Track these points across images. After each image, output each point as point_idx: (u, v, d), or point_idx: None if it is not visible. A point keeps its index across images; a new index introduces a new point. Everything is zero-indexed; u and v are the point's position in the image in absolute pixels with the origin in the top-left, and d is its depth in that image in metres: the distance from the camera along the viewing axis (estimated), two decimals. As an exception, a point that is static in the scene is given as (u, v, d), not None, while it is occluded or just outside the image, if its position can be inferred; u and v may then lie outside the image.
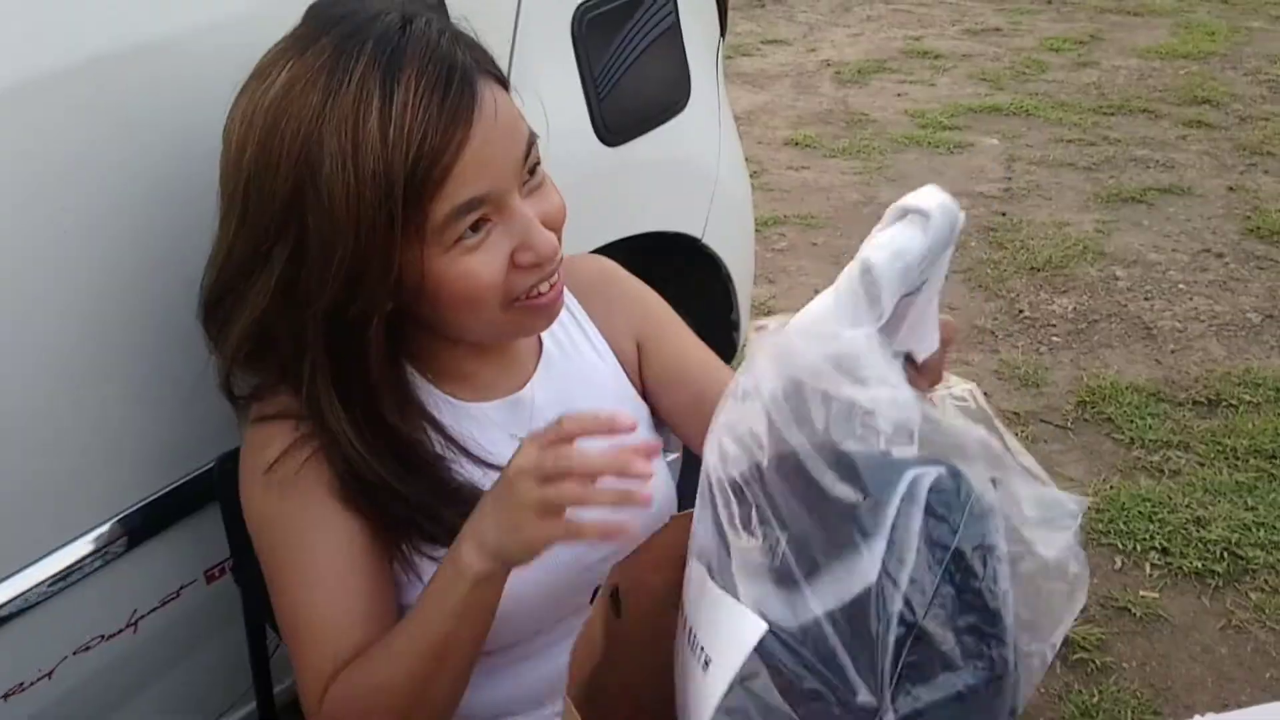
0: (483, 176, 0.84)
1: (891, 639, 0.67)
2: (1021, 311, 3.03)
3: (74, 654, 1.06)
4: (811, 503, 0.69)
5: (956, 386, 0.80)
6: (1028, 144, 4.17)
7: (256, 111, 0.84)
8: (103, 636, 1.08)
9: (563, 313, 1.08)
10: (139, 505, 1.07)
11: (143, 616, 1.10)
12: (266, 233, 0.85)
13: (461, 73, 0.83)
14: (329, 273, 0.84)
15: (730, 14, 6.20)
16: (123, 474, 1.05)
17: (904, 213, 0.73)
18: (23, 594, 1.00)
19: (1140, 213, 3.59)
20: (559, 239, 0.92)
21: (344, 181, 0.81)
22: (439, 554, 0.92)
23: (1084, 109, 4.48)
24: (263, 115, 0.83)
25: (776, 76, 4.95)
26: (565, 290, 1.10)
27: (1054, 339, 2.90)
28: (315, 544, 0.93)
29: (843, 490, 0.69)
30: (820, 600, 0.68)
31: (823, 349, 0.70)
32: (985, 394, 2.56)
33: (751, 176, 3.87)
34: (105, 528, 1.05)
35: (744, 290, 1.85)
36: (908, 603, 0.67)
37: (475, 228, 0.86)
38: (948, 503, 0.70)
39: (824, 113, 4.53)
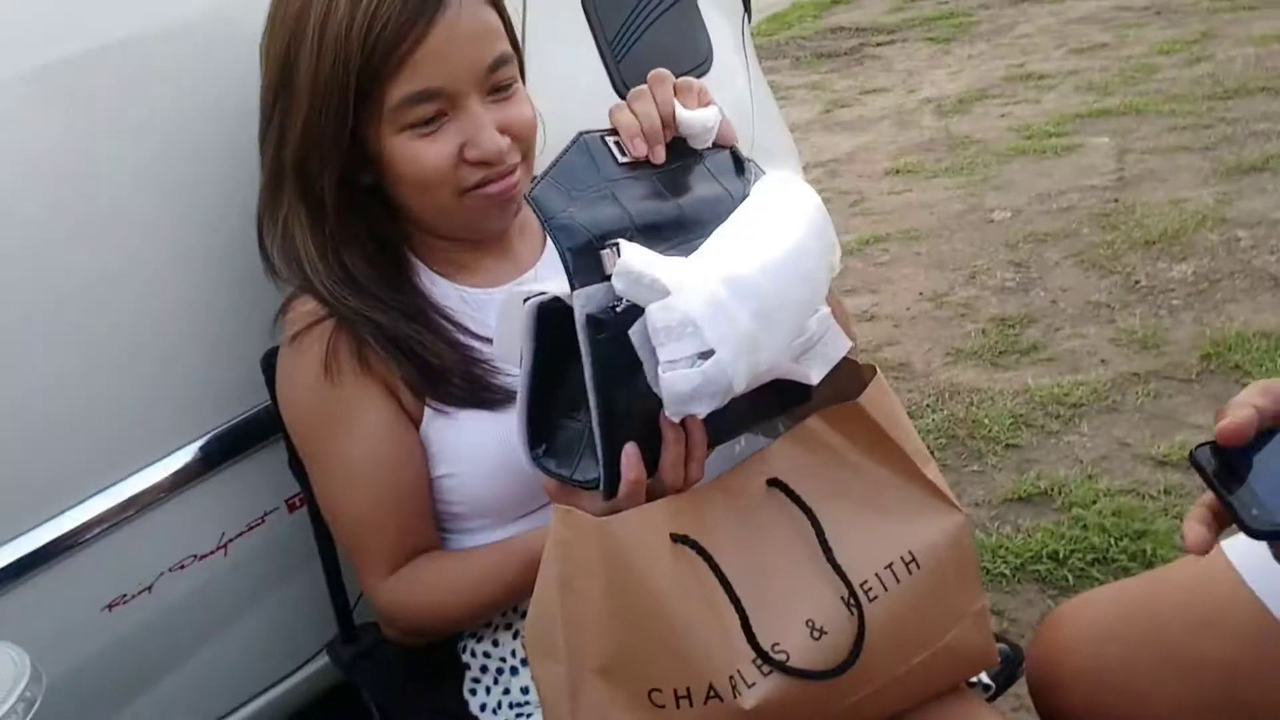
0: (439, 73, 0.96)
1: None
2: (1138, 282, 2.95)
3: (170, 570, 1.18)
4: None
5: None
6: (1140, 137, 4.09)
7: (274, 5, 1.01)
8: (196, 556, 1.20)
9: None
10: (218, 429, 1.19)
11: (231, 539, 1.22)
12: (269, 109, 1.01)
13: None
14: (295, 131, 0.98)
15: (829, 74, 6.27)
16: (208, 398, 1.19)
17: None
18: (121, 504, 1.13)
19: (1264, 180, 3.46)
20: (526, 150, 1.03)
21: (312, 55, 0.95)
22: (443, 408, 1.03)
23: (1198, 98, 4.37)
24: (273, 6, 1.00)
25: (876, 119, 5.01)
26: None
27: (1174, 303, 2.81)
28: (349, 438, 1.04)
29: None
30: None
31: None
32: (1103, 361, 2.48)
33: (852, 205, 3.95)
34: (192, 448, 1.18)
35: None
36: None
37: (431, 120, 0.98)
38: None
39: (925, 142, 4.56)
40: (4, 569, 1.08)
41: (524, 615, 1.08)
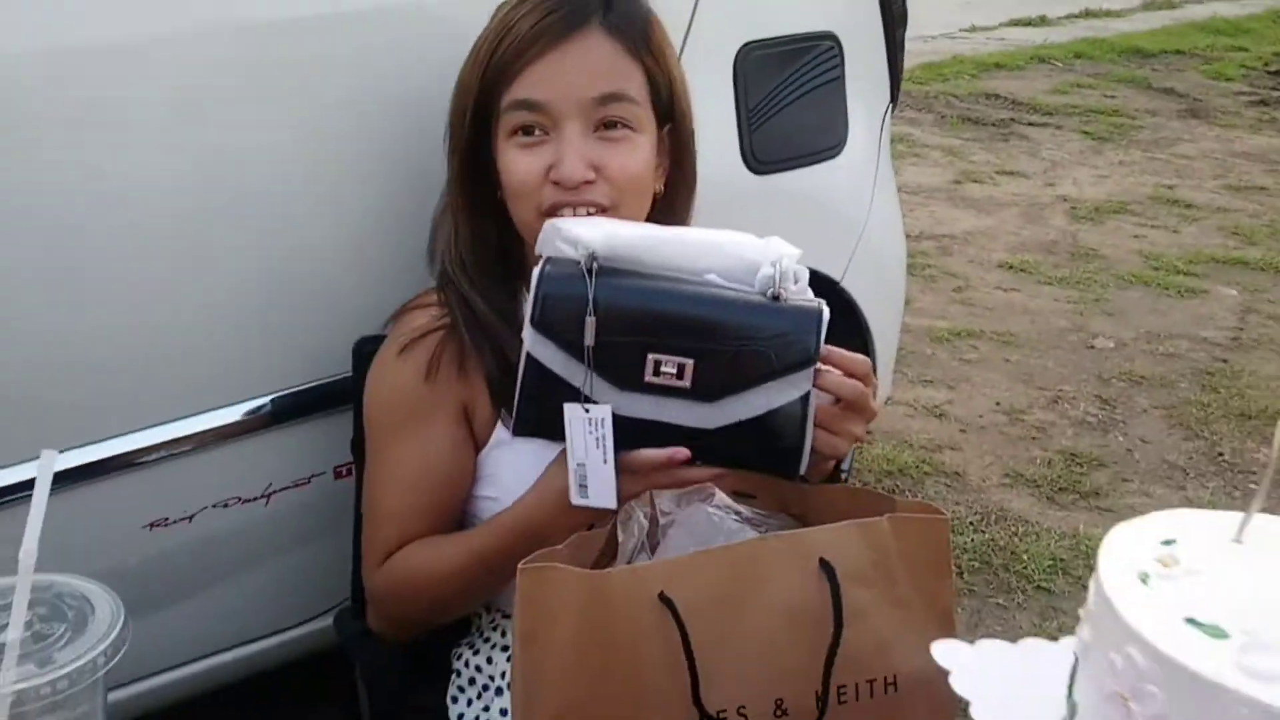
0: (546, 89, 1.10)
1: None
2: (1221, 454, 2.99)
3: (213, 506, 1.31)
4: None
5: None
6: (1270, 299, 4.09)
7: None
8: (240, 499, 1.33)
9: None
10: (289, 390, 1.32)
11: (276, 491, 1.35)
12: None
13: (577, 11, 1.10)
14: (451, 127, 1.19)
15: (970, 143, 6.24)
16: (285, 358, 1.31)
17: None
18: (184, 438, 1.26)
19: (1385, 382, 3.47)
20: (617, 199, 1.13)
21: (469, 62, 1.15)
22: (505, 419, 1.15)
23: (1343, 272, 4.36)
24: None
25: (1004, 204, 5.05)
26: None
27: (1251, 485, 2.85)
28: (413, 443, 1.16)
29: None
30: None
31: None
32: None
33: (955, 292, 4.01)
34: (259, 401, 1.30)
35: (885, 351, 1.97)
36: None
37: (529, 131, 1.11)
38: None
39: (1048, 243, 4.59)
40: (68, 470, 1.21)
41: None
